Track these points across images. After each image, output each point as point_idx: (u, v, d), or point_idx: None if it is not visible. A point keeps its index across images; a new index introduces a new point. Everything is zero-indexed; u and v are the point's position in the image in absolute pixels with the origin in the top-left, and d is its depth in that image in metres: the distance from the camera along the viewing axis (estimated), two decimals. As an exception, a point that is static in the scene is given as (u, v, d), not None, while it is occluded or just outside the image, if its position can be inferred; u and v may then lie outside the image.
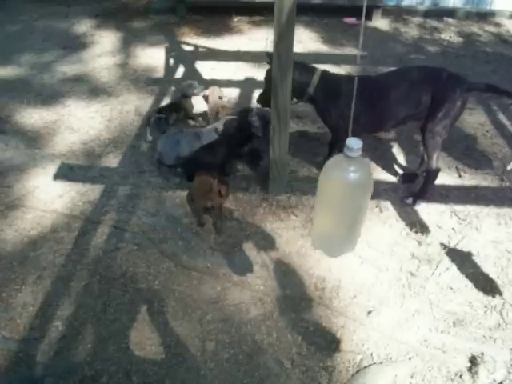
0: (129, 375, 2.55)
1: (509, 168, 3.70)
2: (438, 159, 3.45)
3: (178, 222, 3.46)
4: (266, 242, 3.32)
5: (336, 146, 3.74)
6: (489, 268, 3.17)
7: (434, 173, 3.51)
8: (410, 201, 3.63)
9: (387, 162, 4.06)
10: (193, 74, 5.32)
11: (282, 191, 3.71)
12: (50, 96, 4.91)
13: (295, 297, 2.97)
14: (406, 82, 3.30)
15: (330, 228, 1.89)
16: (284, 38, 3.05)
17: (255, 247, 3.28)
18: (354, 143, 1.56)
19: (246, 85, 5.14)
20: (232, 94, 4.98)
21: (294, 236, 3.37)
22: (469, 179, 3.90)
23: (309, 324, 2.83)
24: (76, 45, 5.90)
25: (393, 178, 3.89)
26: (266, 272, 3.12)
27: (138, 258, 3.18)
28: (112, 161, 4.06)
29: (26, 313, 2.87)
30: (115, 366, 2.60)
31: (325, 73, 3.48)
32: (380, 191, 3.76)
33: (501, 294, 3.00)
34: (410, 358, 2.66)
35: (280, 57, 3.11)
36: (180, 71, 5.40)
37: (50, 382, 2.53)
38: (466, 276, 3.11)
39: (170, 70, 5.42)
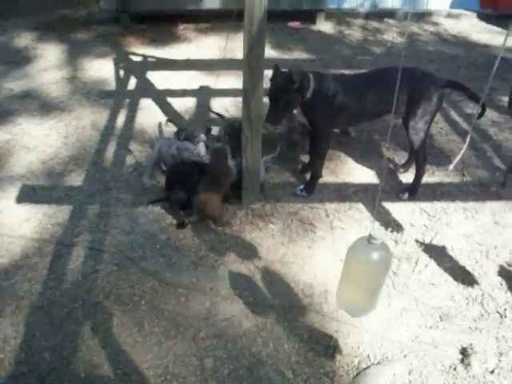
0: (130, 402, 2.48)
1: (451, 167, 3.85)
2: (424, 152, 3.67)
3: (155, 239, 3.39)
4: (248, 252, 3.31)
5: (315, 151, 3.78)
6: (464, 261, 3.29)
7: (424, 165, 3.73)
8: (405, 196, 3.78)
9: (352, 165, 4.14)
10: (146, 85, 5.22)
11: (255, 200, 3.70)
12: (-2, 115, 4.69)
13: (285, 305, 2.98)
14: (384, 80, 3.43)
15: (353, 295, 2.33)
16: (255, 49, 3.06)
17: (238, 258, 3.26)
18: (377, 234, 1.97)
19: (202, 93, 5.10)
20: (188, 104, 4.92)
21: (274, 244, 3.37)
22: (432, 176, 4.03)
23: (303, 331, 2.84)
24: (19, 59, 5.66)
25: (361, 180, 3.97)
26: (252, 283, 3.10)
27: (120, 279, 3.09)
28: (75, 179, 3.92)
29: (9, 346, 2.72)
30: (114, 393, 2.52)
31: (315, 74, 3.52)
32: (350, 194, 3.83)
33: (479, 285, 3.13)
34: (405, 356, 2.73)
35: (251, 67, 3.11)
36: (132, 83, 5.29)
37: (47, 418, 2.41)
38: (445, 271, 3.22)
39: (121, 81, 5.30)
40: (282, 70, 3.46)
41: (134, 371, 2.60)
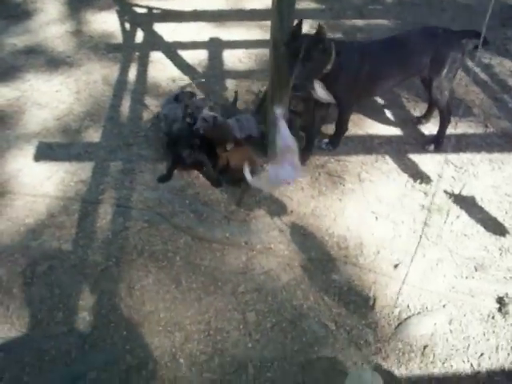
0: (176, 358, 2.47)
1: (430, 148, 3.75)
2: (449, 105, 3.62)
3: (183, 194, 3.32)
4: (278, 207, 3.27)
5: (341, 118, 3.65)
6: (494, 212, 3.28)
7: (449, 118, 3.67)
8: (431, 147, 3.74)
9: (375, 117, 4.07)
10: (153, 37, 5.05)
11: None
12: (4, 71, 4.51)
13: (321, 258, 2.96)
14: (405, 46, 3.37)
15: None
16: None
17: (268, 213, 3.22)
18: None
19: (213, 45, 4.94)
20: (200, 56, 4.78)
21: (304, 197, 3.33)
22: (455, 127, 3.98)
23: (341, 284, 2.84)
24: (18, 13, 5.41)
25: (384, 132, 3.91)
26: (285, 237, 3.08)
27: (152, 236, 3.04)
28: (93, 135, 3.82)
29: (45, 307, 2.68)
30: (158, 350, 2.50)
31: (335, 41, 3.27)
32: (375, 145, 3.78)
33: (511, 236, 3.13)
34: (443, 306, 2.74)
35: (282, 16, 2.99)
36: (139, 35, 5.10)
37: (93, 376, 2.39)
38: (476, 222, 3.21)
39: (128, 34, 5.11)
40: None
41: (177, 327, 2.59)
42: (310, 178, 3.46)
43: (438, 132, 3.74)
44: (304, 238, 3.08)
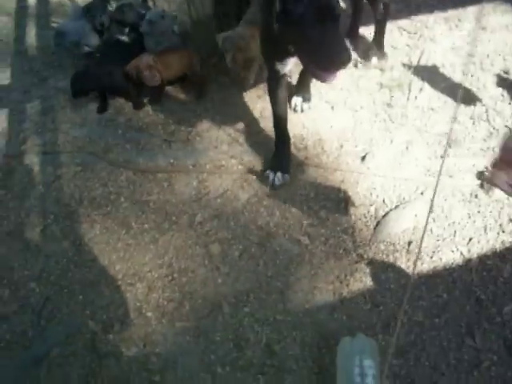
0: (142, 313, 2.19)
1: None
2: None
3: (114, 124, 2.94)
4: (223, 116, 2.91)
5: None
6: (459, 77, 2.99)
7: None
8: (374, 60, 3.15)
9: None
10: None
11: (213, 53, 3.20)
12: None
13: (281, 166, 2.65)
14: None
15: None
16: None
17: (214, 125, 2.86)
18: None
19: None
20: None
21: (250, 100, 2.97)
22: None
23: (307, 190, 2.56)
24: None
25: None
26: (236, 149, 2.75)
27: (88, 180, 2.68)
28: (1, 77, 3.30)
29: (-10, 283, 2.35)
30: (122, 308, 2.22)
31: None
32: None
33: (481, 101, 2.85)
34: (421, 193, 2.50)
35: None
36: None
37: (56, 353, 2.10)
38: (441, 92, 2.92)
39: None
40: None
41: (137, 278, 2.30)
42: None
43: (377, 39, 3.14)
44: (257, 146, 2.76)
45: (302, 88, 2.89)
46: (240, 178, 2.62)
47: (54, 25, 3.61)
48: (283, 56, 2.27)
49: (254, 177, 2.62)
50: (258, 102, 2.96)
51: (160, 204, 2.55)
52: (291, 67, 2.44)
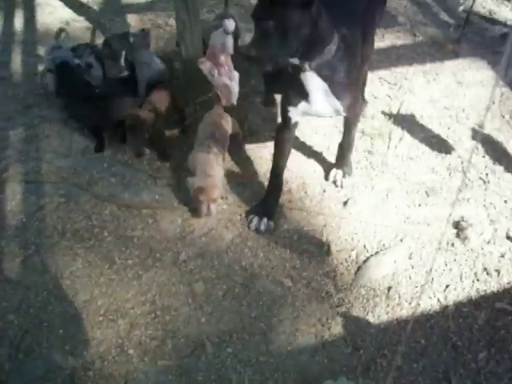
0: (124, 350, 2.17)
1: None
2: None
3: (99, 156, 2.93)
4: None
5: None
6: (436, 129, 3.12)
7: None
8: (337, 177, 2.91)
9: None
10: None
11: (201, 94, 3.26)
12: None
13: (264, 208, 2.70)
14: None
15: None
16: None
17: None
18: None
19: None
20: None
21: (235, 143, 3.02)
22: (382, 40, 3.73)
23: (290, 233, 2.61)
24: None
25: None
26: (224, 187, 2.78)
27: (72, 212, 2.66)
28: (-17, 102, 3.29)
29: (-38, 314, 2.30)
30: (103, 344, 2.18)
31: None
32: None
33: (457, 153, 2.98)
34: (401, 240, 2.58)
35: None
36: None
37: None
38: (420, 142, 3.04)
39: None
40: None
41: (119, 314, 2.28)
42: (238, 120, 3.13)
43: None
44: (242, 187, 2.80)
45: (342, 161, 2.81)
46: (224, 217, 2.66)
47: (39, 52, 3.61)
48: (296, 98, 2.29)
49: (239, 217, 2.66)
50: (245, 143, 3.01)
51: (144, 240, 2.55)
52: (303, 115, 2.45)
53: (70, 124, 3.08)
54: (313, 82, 2.17)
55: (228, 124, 2.81)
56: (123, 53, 3.06)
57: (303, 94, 2.23)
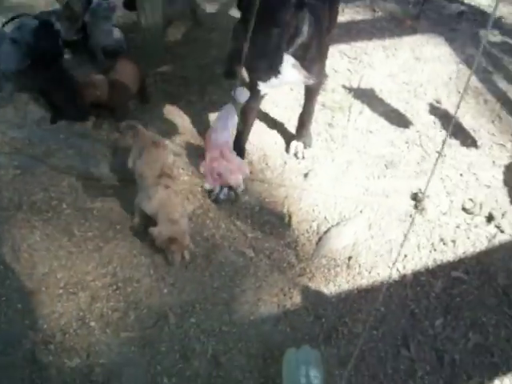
0: (86, 322, 2.14)
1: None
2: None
3: (56, 127, 2.84)
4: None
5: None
6: (395, 103, 3.17)
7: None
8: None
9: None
10: None
11: (161, 63, 3.20)
12: None
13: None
14: None
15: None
16: None
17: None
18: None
19: None
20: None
21: (196, 112, 2.99)
22: (342, 14, 3.72)
23: (252, 204, 2.62)
24: None
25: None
26: (182, 160, 2.76)
27: (28, 183, 2.58)
28: None
29: None
30: (64, 317, 2.14)
31: None
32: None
33: (415, 127, 3.04)
34: (361, 211, 2.62)
35: None
36: None
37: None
38: (379, 115, 3.09)
39: None
40: None
41: (79, 287, 2.24)
42: (199, 88, 3.10)
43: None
44: (202, 158, 2.76)
45: (302, 132, 2.82)
46: (186, 189, 2.64)
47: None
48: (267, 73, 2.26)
49: (199, 189, 2.65)
50: (204, 113, 2.98)
51: (104, 212, 2.51)
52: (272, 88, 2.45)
53: (24, 94, 2.96)
54: (285, 58, 2.18)
55: (166, 150, 2.53)
56: (82, 16, 2.97)
57: (275, 70, 2.22)
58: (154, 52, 3.14)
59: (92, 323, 2.14)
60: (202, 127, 2.91)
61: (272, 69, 2.20)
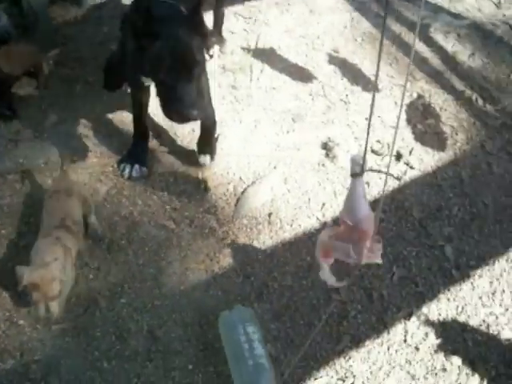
0: (14, 322, 2.06)
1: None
2: None
3: None
4: (71, 110, 2.81)
5: None
6: (294, 58, 3.20)
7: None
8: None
9: None
10: None
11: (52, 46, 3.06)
12: None
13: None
14: None
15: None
16: None
17: (61, 120, 2.76)
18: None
19: None
20: None
21: (94, 93, 2.89)
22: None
23: (166, 176, 2.60)
24: None
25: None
26: (89, 141, 2.69)
27: None
28: None
29: None
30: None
31: None
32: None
33: (317, 78, 3.09)
34: (274, 167, 2.67)
35: None
36: None
37: None
38: (280, 72, 3.11)
39: None
40: None
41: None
42: (95, 69, 3.01)
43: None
44: (110, 137, 2.72)
45: (205, 144, 2.66)
46: (97, 170, 2.58)
47: None
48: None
49: (111, 169, 2.60)
50: (104, 95, 2.89)
51: (15, 208, 2.41)
52: None
53: None
54: None
55: (80, 202, 2.23)
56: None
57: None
58: (43, 34, 2.99)
59: (20, 321, 2.08)
60: (103, 107, 2.83)
61: None
